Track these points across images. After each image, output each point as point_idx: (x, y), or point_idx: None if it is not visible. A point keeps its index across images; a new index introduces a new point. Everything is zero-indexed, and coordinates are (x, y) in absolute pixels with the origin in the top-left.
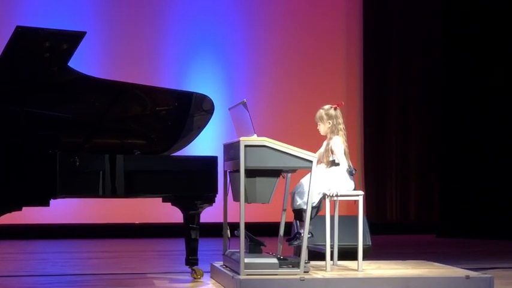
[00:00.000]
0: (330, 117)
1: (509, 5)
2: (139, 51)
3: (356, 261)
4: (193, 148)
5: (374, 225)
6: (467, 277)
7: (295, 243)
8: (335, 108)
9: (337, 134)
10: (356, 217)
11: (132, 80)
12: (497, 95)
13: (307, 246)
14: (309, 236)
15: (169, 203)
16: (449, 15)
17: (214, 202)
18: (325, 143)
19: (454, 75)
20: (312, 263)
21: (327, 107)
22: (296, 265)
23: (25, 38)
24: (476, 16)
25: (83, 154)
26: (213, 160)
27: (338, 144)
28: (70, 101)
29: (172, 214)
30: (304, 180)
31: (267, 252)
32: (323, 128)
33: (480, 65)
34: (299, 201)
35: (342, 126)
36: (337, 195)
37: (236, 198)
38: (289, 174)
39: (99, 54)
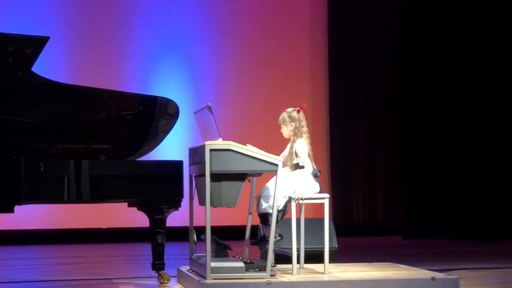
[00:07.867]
0: (292, 119)
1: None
2: (104, 55)
3: (323, 264)
4: (158, 152)
5: (341, 227)
6: (433, 278)
7: (264, 247)
8: (298, 111)
9: (301, 137)
10: (322, 220)
11: (98, 84)
12: (465, 95)
13: (274, 250)
14: (279, 238)
15: (136, 208)
16: (415, 14)
17: (180, 206)
18: (288, 145)
19: (422, 78)
20: (279, 266)
21: (289, 109)
22: (262, 269)
23: None
24: (443, 14)
25: (47, 159)
26: (178, 164)
27: (302, 147)
28: (34, 106)
29: (138, 218)
30: (270, 184)
31: (234, 256)
32: (286, 130)
33: (447, 63)
34: (264, 205)
35: (305, 128)
36: (302, 199)
37: (202, 202)
38: (255, 178)
39: (63, 59)
